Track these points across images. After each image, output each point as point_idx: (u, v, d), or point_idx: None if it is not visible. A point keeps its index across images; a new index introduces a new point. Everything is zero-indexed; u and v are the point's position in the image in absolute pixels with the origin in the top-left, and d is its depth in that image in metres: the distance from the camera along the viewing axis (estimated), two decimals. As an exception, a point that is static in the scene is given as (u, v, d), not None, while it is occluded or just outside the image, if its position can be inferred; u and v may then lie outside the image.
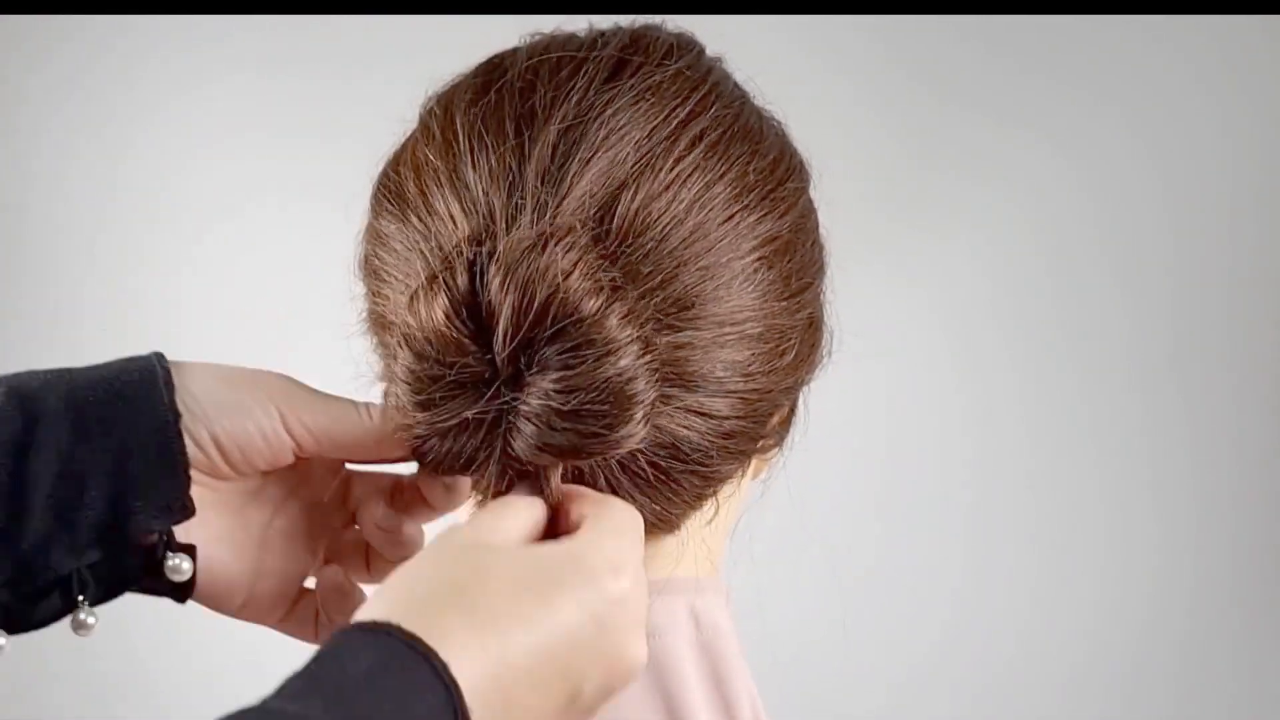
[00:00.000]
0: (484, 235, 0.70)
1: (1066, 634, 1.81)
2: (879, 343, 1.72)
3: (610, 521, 0.69)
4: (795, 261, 0.76)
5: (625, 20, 0.80)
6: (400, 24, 1.71)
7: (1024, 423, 1.80)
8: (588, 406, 0.67)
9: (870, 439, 1.79)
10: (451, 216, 0.72)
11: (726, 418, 0.74)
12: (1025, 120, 1.74)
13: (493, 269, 0.67)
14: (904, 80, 1.76)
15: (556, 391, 0.67)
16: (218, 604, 0.77)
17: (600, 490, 0.73)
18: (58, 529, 0.70)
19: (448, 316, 0.67)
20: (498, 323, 0.67)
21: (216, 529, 0.74)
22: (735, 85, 0.80)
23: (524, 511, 0.69)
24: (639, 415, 0.68)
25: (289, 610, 0.79)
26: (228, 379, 0.73)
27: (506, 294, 0.67)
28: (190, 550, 0.74)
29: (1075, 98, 1.74)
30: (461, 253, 0.69)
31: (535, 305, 0.67)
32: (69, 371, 0.73)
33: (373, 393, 0.77)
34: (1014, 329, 1.79)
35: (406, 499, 0.79)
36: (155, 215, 1.79)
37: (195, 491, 0.73)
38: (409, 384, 0.69)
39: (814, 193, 0.81)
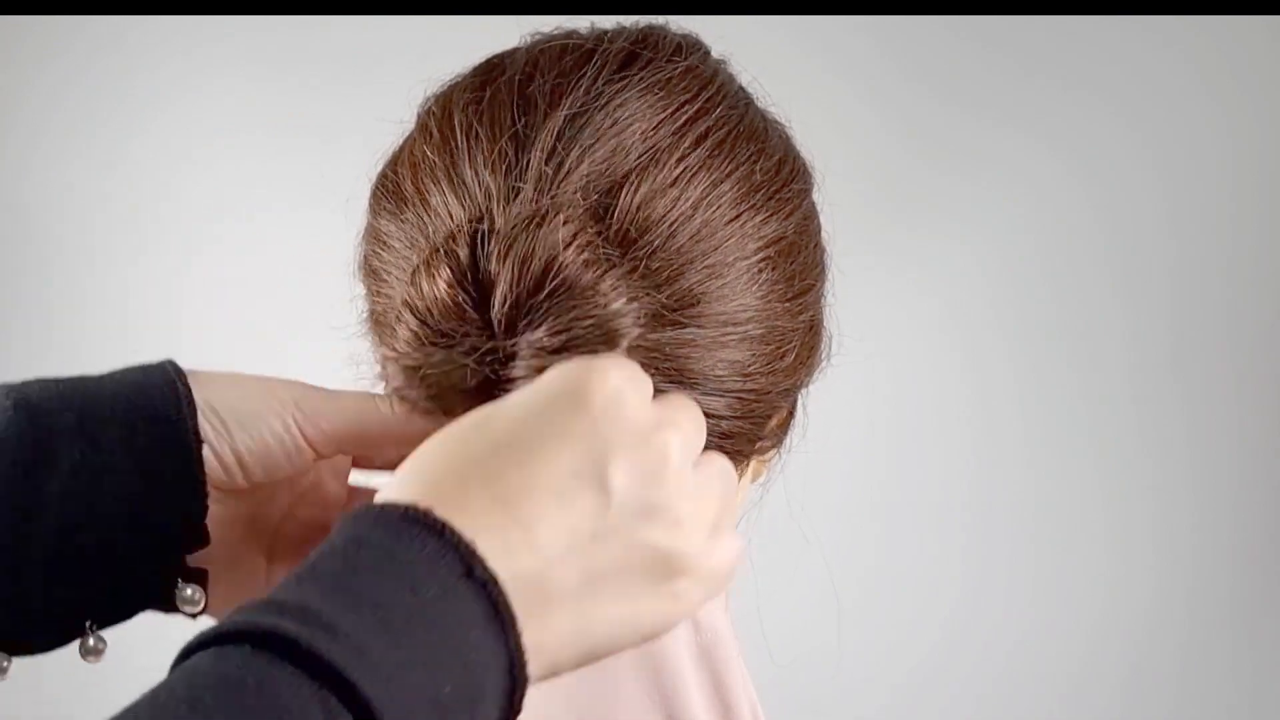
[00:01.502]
0: (483, 214, 0.70)
1: (1066, 637, 1.81)
2: (879, 344, 1.73)
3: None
4: (799, 263, 0.76)
5: (628, 21, 0.80)
6: (399, 25, 1.71)
7: (1024, 424, 1.80)
8: (575, 340, 0.66)
9: (870, 441, 1.79)
10: (449, 211, 0.73)
11: (724, 418, 0.74)
12: (1025, 121, 1.74)
13: (492, 241, 0.68)
14: (905, 81, 1.76)
15: (547, 334, 0.67)
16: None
17: None
18: (65, 554, 0.68)
19: (450, 286, 0.68)
20: (495, 290, 0.67)
21: (228, 548, 0.73)
22: (740, 86, 0.80)
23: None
24: (623, 346, 0.68)
25: None
26: (243, 391, 0.72)
27: (505, 263, 0.67)
28: (202, 577, 0.72)
29: (1076, 99, 1.74)
30: (463, 229, 0.69)
31: (532, 274, 0.67)
32: (83, 383, 0.70)
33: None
34: (1014, 330, 1.79)
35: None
36: (154, 216, 1.79)
37: (210, 508, 0.71)
38: (409, 341, 0.69)
39: (816, 194, 0.81)
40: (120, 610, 0.72)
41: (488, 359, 0.68)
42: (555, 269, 0.67)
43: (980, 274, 1.77)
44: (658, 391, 0.65)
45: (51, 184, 1.79)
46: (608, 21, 0.80)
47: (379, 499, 0.58)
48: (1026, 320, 1.79)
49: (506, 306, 0.67)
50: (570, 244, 0.67)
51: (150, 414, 0.69)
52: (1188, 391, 1.78)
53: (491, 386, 0.68)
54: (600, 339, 0.68)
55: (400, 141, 0.79)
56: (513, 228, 0.68)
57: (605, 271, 0.68)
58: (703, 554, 0.61)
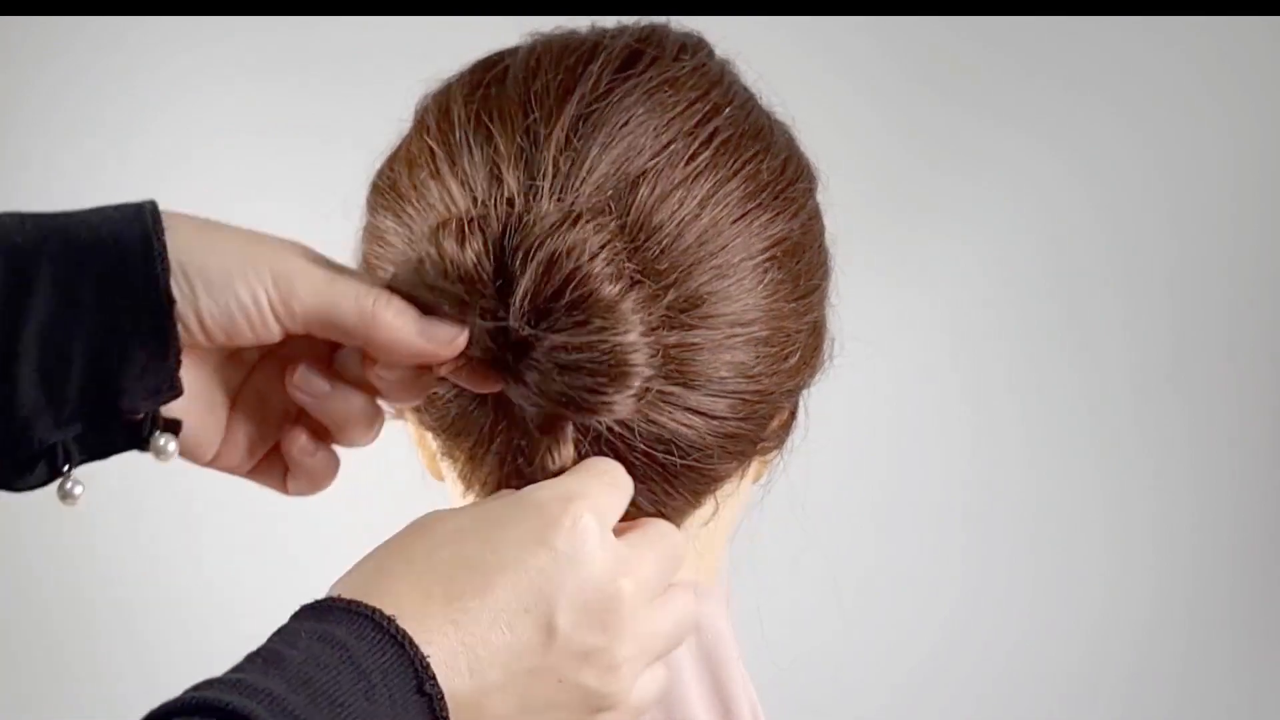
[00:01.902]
0: (503, 201, 0.70)
1: (1067, 638, 1.81)
2: (880, 345, 1.72)
3: (580, 468, 0.70)
4: (804, 263, 0.76)
5: (629, 21, 0.80)
6: (398, 26, 1.71)
7: (1025, 424, 1.80)
8: (587, 365, 0.68)
9: (871, 442, 1.79)
10: (448, 203, 0.72)
11: (727, 419, 0.74)
12: (1027, 121, 1.74)
13: (519, 234, 0.68)
14: (906, 82, 1.76)
15: (562, 347, 0.67)
16: (189, 456, 0.75)
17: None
18: (45, 401, 0.68)
19: (478, 258, 0.68)
20: (519, 284, 0.68)
21: (192, 389, 0.72)
22: (744, 86, 0.80)
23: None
24: (634, 384, 0.69)
25: (259, 462, 0.77)
26: (219, 254, 0.70)
27: (532, 261, 0.67)
28: (175, 427, 0.72)
29: (1078, 99, 1.74)
30: (491, 210, 0.69)
31: (558, 278, 0.68)
32: (61, 226, 0.70)
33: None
34: (1015, 330, 1.79)
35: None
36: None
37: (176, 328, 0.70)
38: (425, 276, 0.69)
39: (819, 195, 0.81)
40: (97, 454, 0.72)
41: (498, 335, 0.68)
42: (581, 279, 0.68)
43: (981, 274, 1.77)
44: (664, 400, 0.68)
45: (49, 185, 1.78)
46: (609, 22, 0.79)
47: (342, 589, 0.63)
48: (1028, 320, 1.78)
49: (528, 300, 0.68)
50: (598, 255, 0.68)
51: (125, 277, 0.68)
52: (1188, 392, 1.78)
53: (492, 356, 0.69)
54: (613, 371, 0.68)
55: (398, 140, 0.79)
56: (545, 226, 0.68)
57: (628, 290, 0.69)
58: (630, 692, 0.68)
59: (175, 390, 0.70)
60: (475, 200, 0.71)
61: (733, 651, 0.80)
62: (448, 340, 0.70)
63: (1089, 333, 1.78)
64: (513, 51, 0.78)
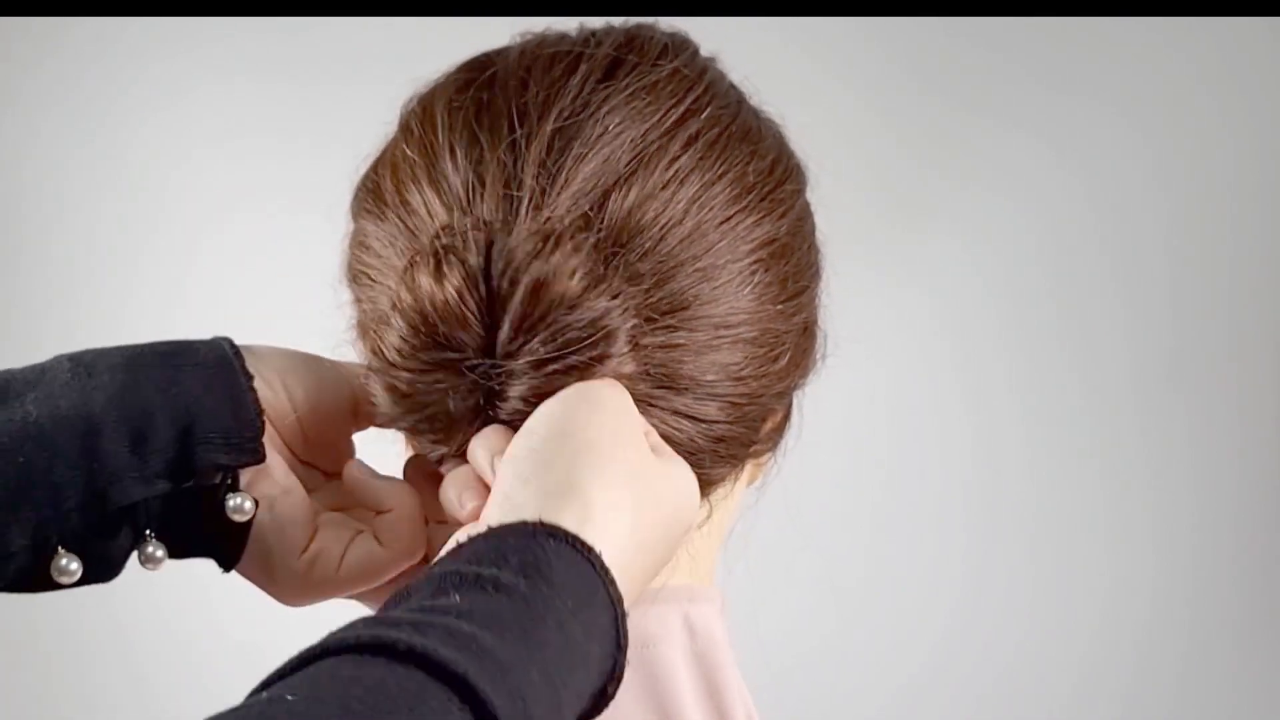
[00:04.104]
0: (479, 224, 0.70)
1: (1066, 643, 1.80)
2: (875, 346, 1.72)
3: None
4: (792, 265, 0.76)
5: (618, 21, 0.79)
6: (390, 27, 1.71)
7: (1022, 426, 1.79)
8: (570, 344, 0.68)
9: (866, 444, 1.78)
10: (429, 210, 0.72)
11: (717, 421, 0.74)
12: (1023, 122, 1.73)
13: (500, 261, 0.68)
14: (901, 82, 1.75)
15: (541, 343, 0.68)
16: (279, 548, 0.75)
17: None
18: (128, 456, 0.70)
19: (459, 293, 0.68)
20: (505, 312, 0.68)
21: (285, 480, 0.75)
22: (731, 85, 0.79)
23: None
24: (619, 338, 0.69)
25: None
26: (291, 353, 0.76)
27: (517, 288, 0.68)
28: (254, 501, 0.74)
29: (1075, 100, 1.73)
30: (468, 234, 0.69)
31: (541, 304, 0.68)
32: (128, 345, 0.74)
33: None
34: (1012, 332, 1.78)
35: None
36: (146, 220, 1.79)
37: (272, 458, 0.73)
38: (398, 348, 0.69)
39: (810, 195, 0.80)
40: (177, 521, 0.73)
41: (485, 379, 0.68)
42: (561, 300, 0.68)
43: (979, 274, 1.77)
44: (651, 403, 0.69)
45: (43, 187, 1.78)
46: (598, 23, 0.79)
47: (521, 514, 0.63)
48: (1024, 322, 1.78)
49: (514, 330, 0.68)
50: (575, 274, 0.68)
51: (193, 353, 0.73)
52: (1188, 394, 1.78)
53: (485, 408, 0.69)
54: (594, 338, 0.68)
55: (383, 143, 0.79)
56: (523, 253, 0.68)
57: (596, 285, 0.69)
58: None
59: (257, 452, 0.72)
60: (454, 213, 0.71)
61: (727, 655, 0.80)
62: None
63: (1088, 333, 1.78)
64: (500, 54, 0.77)
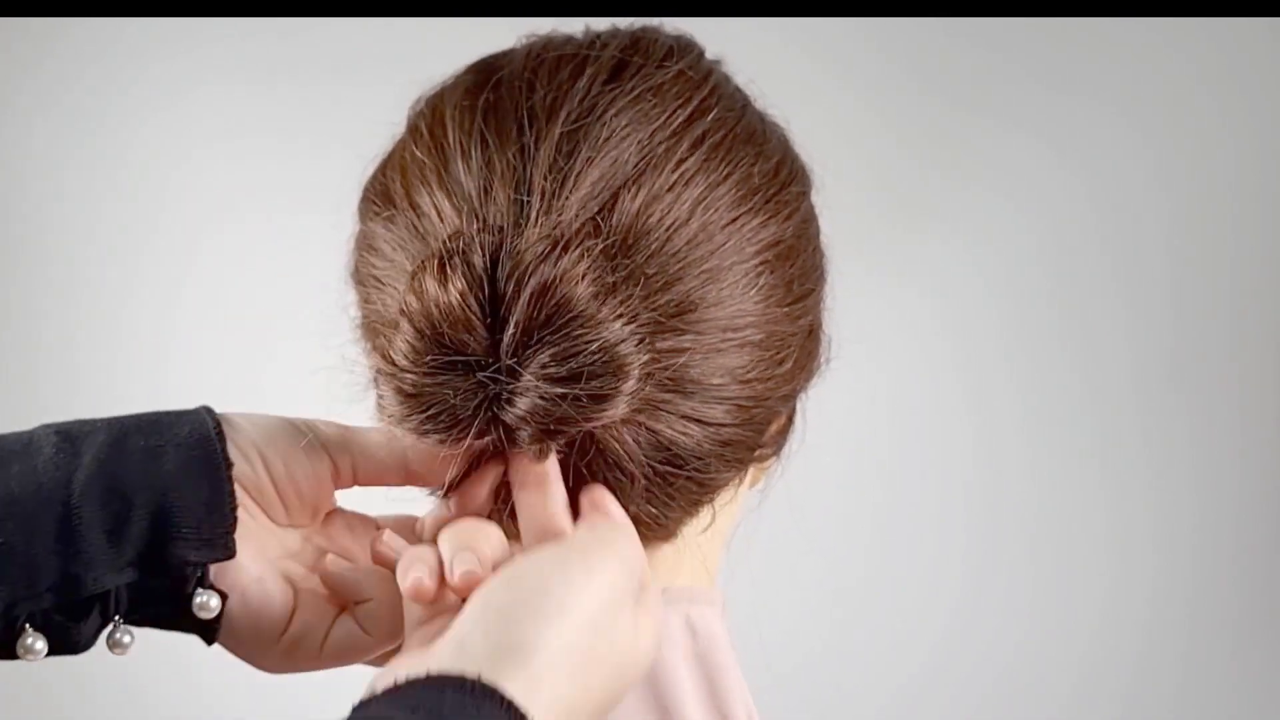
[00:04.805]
0: (488, 228, 0.70)
1: (1066, 645, 1.80)
2: (879, 349, 1.72)
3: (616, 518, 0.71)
4: (797, 267, 0.76)
5: (623, 23, 0.79)
6: (393, 28, 1.71)
7: (1024, 428, 1.79)
8: (580, 370, 0.68)
9: (868, 445, 1.78)
10: (440, 213, 0.72)
11: (724, 425, 0.73)
12: (1026, 124, 1.74)
13: (508, 263, 0.68)
14: (902, 83, 1.75)
15: (551, 361, 0.68)
16: (256, 632, 0.75)
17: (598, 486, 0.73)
18: (104, 543, 0.70)
19: (463, 296, 0.68)
20: (510, 315, 0.68)
21: (258, 569, 0.74)
22: (736, 88, 0.79)
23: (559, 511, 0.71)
24: (632, 376, 0.69)
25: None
26: (268, 420, 0.74)
27: (523, 291, 0.68)
28: (222, 595, 0.73)
29: (1076, 102, 1.73)
30: (474, 238, 0.69)
31: (548, 306, 0.68)
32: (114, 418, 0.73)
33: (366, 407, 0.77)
34: (1014, 333, 1.78)
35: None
36: (145, 220, 1.79)
37: (242, 533, 0.73)
38: (406, 353, 0.69)
39: (814, 197, 0.80)
40: (145, 608, 0.73)
41: (491, 382, 0.68)
42: (569, 305, 0.68)
43: (978, 275, 1.77)
44: (659, 408, 0.70)
45: (42, 188, 1.78)
46: (603, 24, 0.79)
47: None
48: (1027, 324, 1.78)
49: (519, 332, 0.68)
50: (583, 278, 0.68)
51: (178, 432, 0.72)
52: (1189, 395, 1.78)
53: (490, 409, 0.69)
54: (607, 369, 0.68)
55: (391, 145, 0.79)
56: (531, 256, 0.68)
57: (607, 296, 0.69)
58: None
59: (229, 549, 0.72)
60: (463, 216, 0.71)
61: (729, 657, 0.80)
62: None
63: (1089, 333, 1.78)
64: (507, 57, 0.77)
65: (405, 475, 0.75)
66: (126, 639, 0.72)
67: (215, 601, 0.72)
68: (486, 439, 0.70)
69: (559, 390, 0.68)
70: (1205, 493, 1.78)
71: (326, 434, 0.75)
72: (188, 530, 0.71)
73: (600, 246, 0.69)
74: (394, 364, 0.70)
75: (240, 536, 0.72)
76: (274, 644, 0.75)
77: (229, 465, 0.72)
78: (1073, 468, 1.79)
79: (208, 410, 0.74)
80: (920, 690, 1.81)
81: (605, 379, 0.68)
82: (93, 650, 0.74)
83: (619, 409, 0.69)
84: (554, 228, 0.69)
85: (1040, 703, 1.81)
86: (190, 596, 0.72)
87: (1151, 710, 1.81)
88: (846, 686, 1.80)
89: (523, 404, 0.68)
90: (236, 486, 0.72)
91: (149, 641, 0.75)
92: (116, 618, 0.72)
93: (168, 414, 0.73)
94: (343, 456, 0.74)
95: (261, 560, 0.74)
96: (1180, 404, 1.78)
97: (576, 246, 0.68)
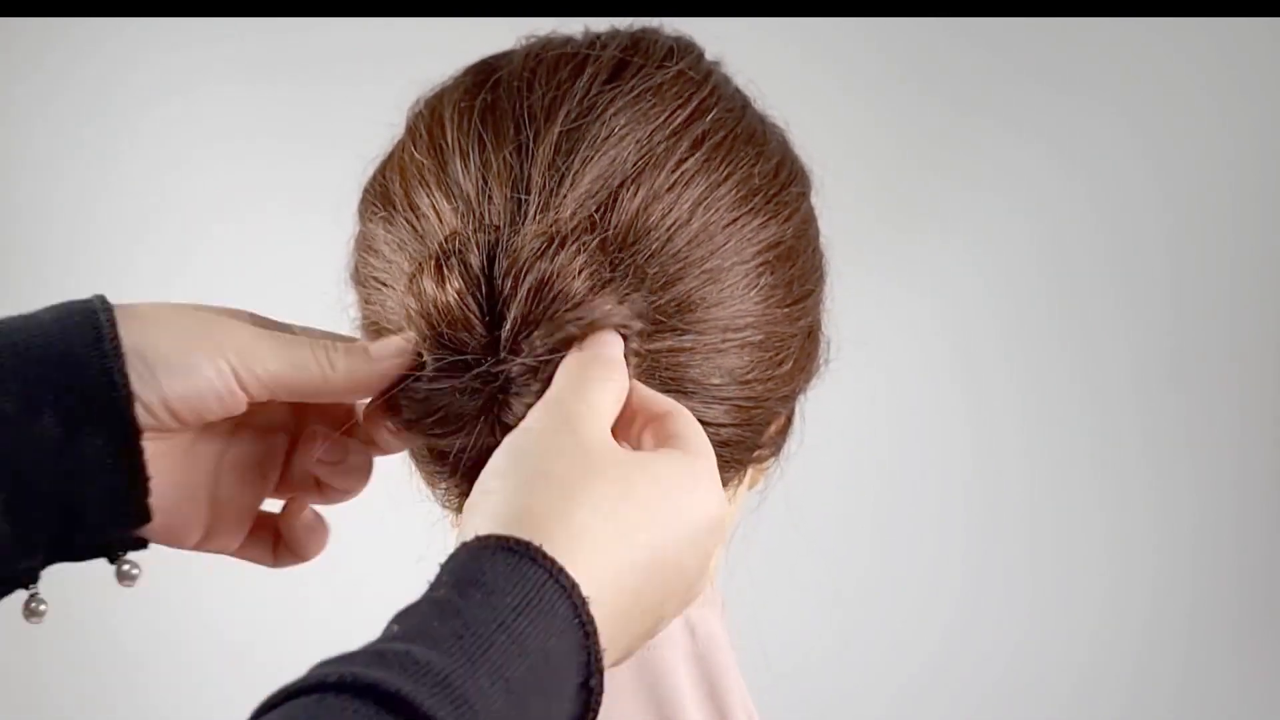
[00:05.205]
0: (484, 227, 0.70)
1: (1067, 646, 1.80)
2: (878, 350, 1.72)
3: (701, 442, 0.68)
4: (797, 268, 0.76)
5: (622, 24, 0.79)
6: (392, 27, 1.70)
7: (1023, 429, 1.79)
8: (570, 337, 0.68)
9: (868, 448, 1.78)
10: (439, 214, 0.72)
11: (723, 425, 0.73)
12: (1026, 125, 1.73)
13: (505, 260, 0.68)
14: (904, 84, 1.75)
15: (541, 338, 0.68)
16: (174, 542, 0.75)
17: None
18: (10, 533, 0.68)
19: (461, 296, 0.68)
20: (508, 311, 0.68)
21: (168, 477, 0.72)
22: (736, 89, 0.79)
23: (613, 392, 0.68)
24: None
25: (246, 537, 0.78)
26: (175, 335, 0.70)
27: (520, 287, 0.68)
28: (143, 544, 0.73)
29: (1076, 103, 1.73)
30: (471, 237, 0.69)
31: (545, 301, 0.68)
32: (13, 332, 0.70)
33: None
34: (1014, 335, 1.78)
35: (355, 430, 0.77)
36: (143, 221, 1.79)
37: (145, 444, 0.70)
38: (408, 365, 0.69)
39: (814, 198, 0.80)
40: (61, 558, 0.72)
41: (491, 379, 0.68)
42: (567, 299, 0.68)
43: (977, 276, 1.77)
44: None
45: (40, 188, 1.78)
46: (602, 25, 0.79)
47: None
48: (1026, 325, 1.78)
49: (517, 328, 0.68)
50: (579, 274, 0.68)
51: (86, 399, 0.68)
52: (1188, 396, 1.78)
53: (491, 405, 0.69)
54: (590, 328, 0.68)
55: (390, 146, 0.79)
56: (528, 252, 0.68)
57: (602, 286, 0.69)
58: None
59: (145, 516, 0.71)
60: (460, 216, 0.71)
61: (728, 658, 0.80)
62: (396, 350, 0.70)
63: (1088, 334, 1.77)
64: (506, 58, 0.77)
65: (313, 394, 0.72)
66: (42, 608, 0.72)
67: (137, 571, 0.72)
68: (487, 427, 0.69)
69: (551, 371, 0.67)
70: (1205, 493, 1.78)
71: (236, 345, 0.71)
72: (100, 519, 0.70)
73: (597, 242, 0.69)
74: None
75: (152, 471, 0.70)
76: (199, 531, 0.75)
77: (138, 433, 0.69)
78: (1073, 468, 1.79)
79: (107, 322, 0.69)
80: (920, 690, 1.81)
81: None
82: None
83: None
84: (551, 225, 0.69)
85: (1040, 703, 1.81)
86: (113, 561, 0.72)
87: (1151, 710, 1.81)
88: (846, 687, 1.80)
89: (520, 393, 0.68)
90: (144, 440, 0.69)
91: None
92: (32, 588, 0.71)
93: (64, 344, 0.68)
94: (256, 383, 0.71)
95: (175, 486, 0.73)
96: (1180, 404, 1.78)
97: (573, 242, 0.68)
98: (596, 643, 0.59)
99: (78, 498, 0.69)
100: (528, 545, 0.59)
